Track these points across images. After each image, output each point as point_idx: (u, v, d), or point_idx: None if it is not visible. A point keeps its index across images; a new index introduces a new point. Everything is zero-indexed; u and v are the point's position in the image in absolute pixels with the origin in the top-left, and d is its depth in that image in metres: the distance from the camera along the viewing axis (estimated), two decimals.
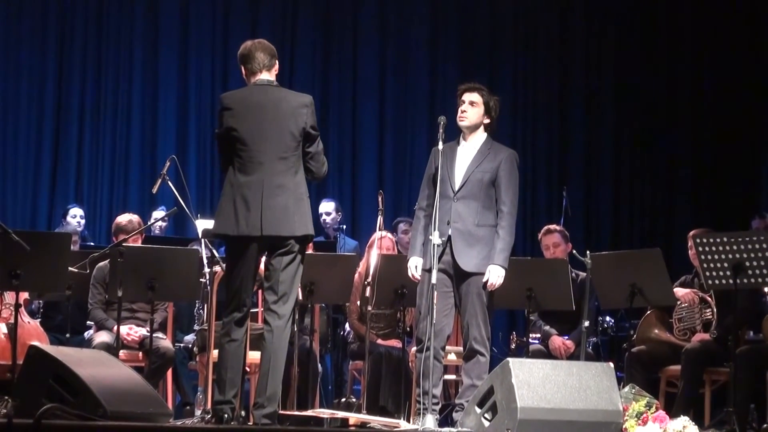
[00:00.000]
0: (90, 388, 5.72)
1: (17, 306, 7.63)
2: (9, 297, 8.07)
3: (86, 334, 9.24)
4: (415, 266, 7.29)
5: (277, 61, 6.79)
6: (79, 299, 8.71)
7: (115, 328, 8.21)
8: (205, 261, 8.31)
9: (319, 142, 6.69)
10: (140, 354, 8.55)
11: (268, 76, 6.72)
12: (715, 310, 8.41)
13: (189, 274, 8.15)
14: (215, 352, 7.09)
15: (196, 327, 9.20)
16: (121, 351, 8.20)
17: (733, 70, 12.90)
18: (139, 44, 13.02)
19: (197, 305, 9.26)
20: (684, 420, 6.62)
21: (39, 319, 9.11)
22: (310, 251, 8.90)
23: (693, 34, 13.27)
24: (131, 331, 8.55)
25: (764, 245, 7.33)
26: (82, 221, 11.47)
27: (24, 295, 8.30)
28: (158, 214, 11.12)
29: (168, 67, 13.07)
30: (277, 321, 6.52)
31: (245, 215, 6.48)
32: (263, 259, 6.69)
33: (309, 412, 7.72)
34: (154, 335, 8.24)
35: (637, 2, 13.51)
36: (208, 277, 8.26)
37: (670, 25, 13.47)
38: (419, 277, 7.26)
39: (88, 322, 9.03)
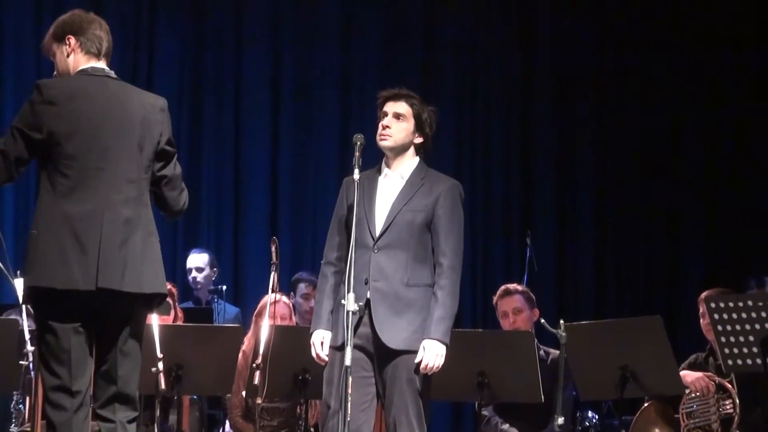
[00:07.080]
0: None
1: None
2: None
3: None
4: (320, 342, 7.22)
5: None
6: None
7: None
8: (27, 336, 8.16)
9: (177, 163, 6.50)
10: None
11: (104, 65, 6.50)
12: (737, 401, 8.49)
13: (5, 354, 8.08)
14: None
15: (13, 429, 9.11)
16: None
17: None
18: None
19: (15, 397, 9.17)
20: None
21: None
22: (181, 321, 8.81)
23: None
24: None
25: None
26: None
27: None
28: None
29: None
30: (121, 413, 6.33)
31: (79, 260, 6.21)
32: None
33: None
34: None
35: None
36: (31, 358, 8.13)
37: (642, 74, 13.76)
38: (326, 358, 7.19)
39: None
